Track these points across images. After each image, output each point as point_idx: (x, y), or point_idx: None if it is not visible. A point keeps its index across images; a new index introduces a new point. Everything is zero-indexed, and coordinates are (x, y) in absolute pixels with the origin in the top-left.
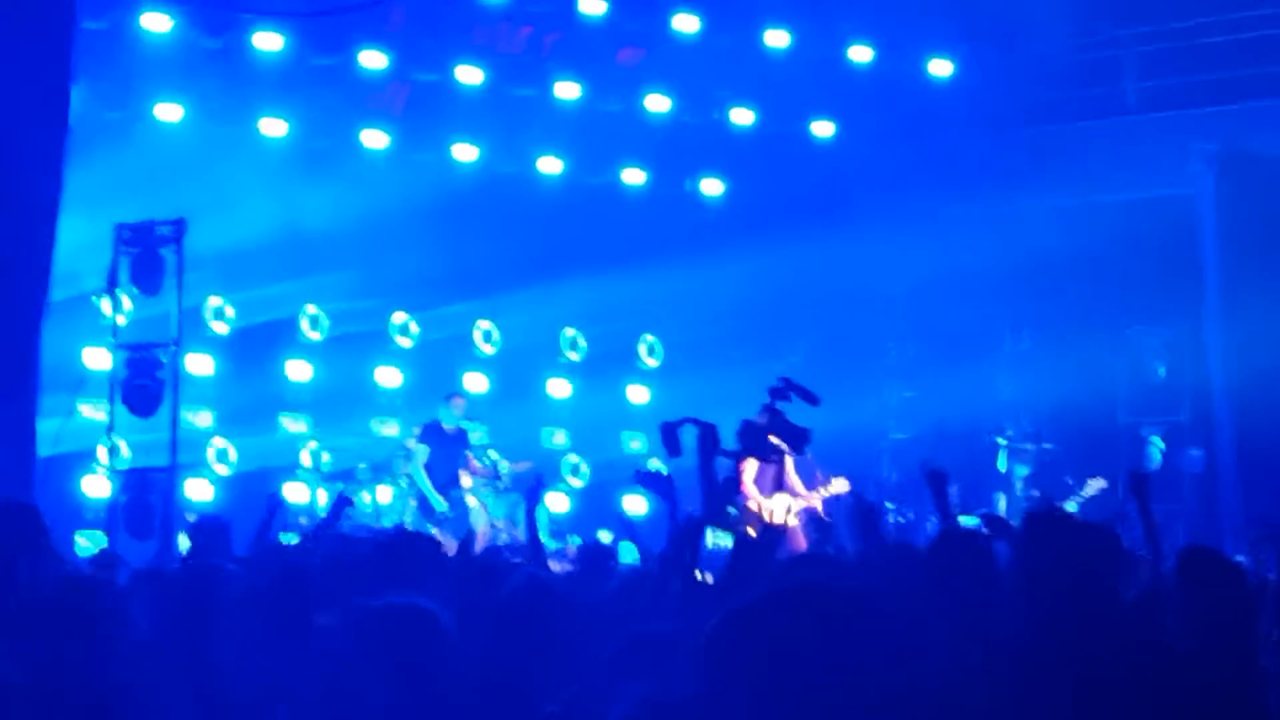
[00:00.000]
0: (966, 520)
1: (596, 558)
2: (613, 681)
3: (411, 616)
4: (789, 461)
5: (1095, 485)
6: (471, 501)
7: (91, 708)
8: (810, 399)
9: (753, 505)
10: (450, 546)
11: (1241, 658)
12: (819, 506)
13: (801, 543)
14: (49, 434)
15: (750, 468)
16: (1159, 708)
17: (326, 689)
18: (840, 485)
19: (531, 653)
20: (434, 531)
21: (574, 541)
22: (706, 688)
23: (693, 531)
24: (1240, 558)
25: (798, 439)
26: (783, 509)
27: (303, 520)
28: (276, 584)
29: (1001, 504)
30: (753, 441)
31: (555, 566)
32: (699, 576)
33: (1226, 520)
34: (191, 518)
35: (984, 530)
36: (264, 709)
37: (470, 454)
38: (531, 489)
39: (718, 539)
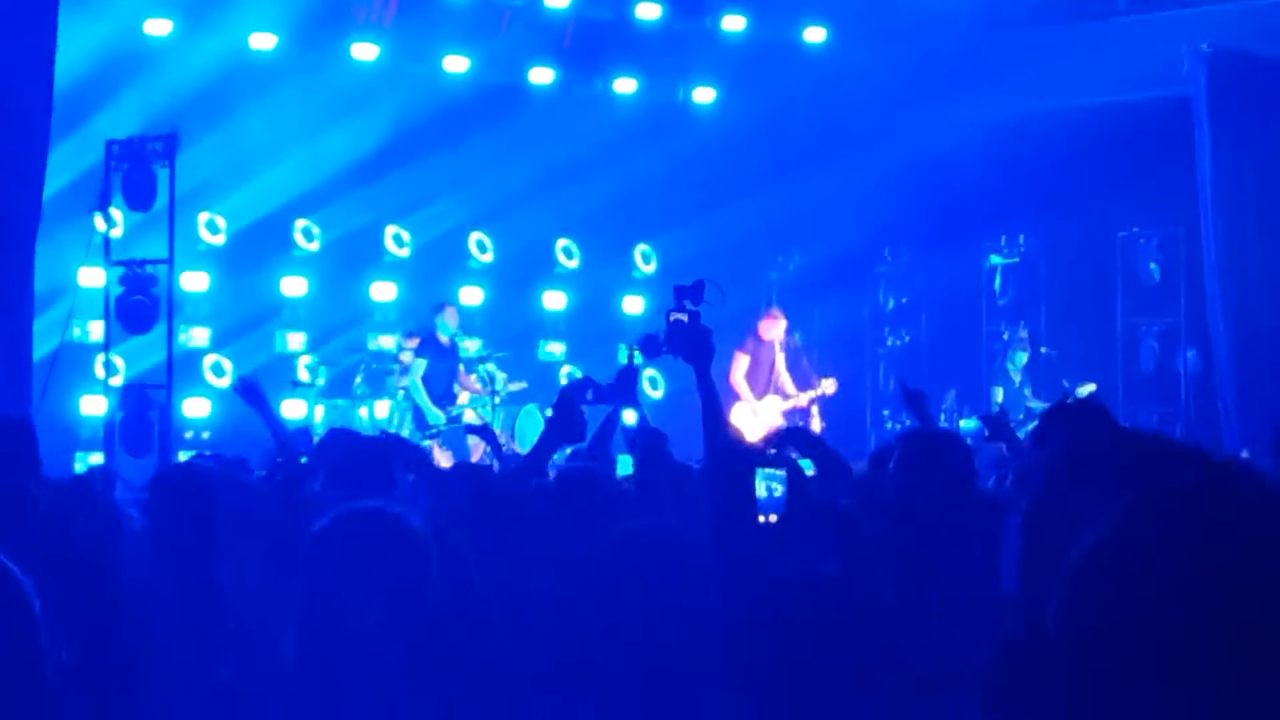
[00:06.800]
0: (967, 424)
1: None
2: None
3: (376, 520)
4: (780, 361)
5: (1086, 389)
6: (469, 415)
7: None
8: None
9: (743, 405)
10: (444, 459)
11: None
12: (812, 407)
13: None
14: (44, 352)
15: (740, 364)
16: None
17: (312, 598)
18: (830, 386)
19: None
20: (429, 444)
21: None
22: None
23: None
24: (1243, 454)
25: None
26: (774, 409)
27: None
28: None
29: (998, 396)
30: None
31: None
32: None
33: (1224, 420)
34: (189, 434)
35: (984, 432)
36: (261, 616)
37: (463, 368)
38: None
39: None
